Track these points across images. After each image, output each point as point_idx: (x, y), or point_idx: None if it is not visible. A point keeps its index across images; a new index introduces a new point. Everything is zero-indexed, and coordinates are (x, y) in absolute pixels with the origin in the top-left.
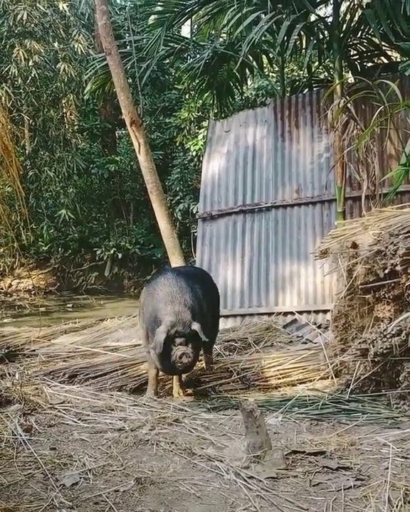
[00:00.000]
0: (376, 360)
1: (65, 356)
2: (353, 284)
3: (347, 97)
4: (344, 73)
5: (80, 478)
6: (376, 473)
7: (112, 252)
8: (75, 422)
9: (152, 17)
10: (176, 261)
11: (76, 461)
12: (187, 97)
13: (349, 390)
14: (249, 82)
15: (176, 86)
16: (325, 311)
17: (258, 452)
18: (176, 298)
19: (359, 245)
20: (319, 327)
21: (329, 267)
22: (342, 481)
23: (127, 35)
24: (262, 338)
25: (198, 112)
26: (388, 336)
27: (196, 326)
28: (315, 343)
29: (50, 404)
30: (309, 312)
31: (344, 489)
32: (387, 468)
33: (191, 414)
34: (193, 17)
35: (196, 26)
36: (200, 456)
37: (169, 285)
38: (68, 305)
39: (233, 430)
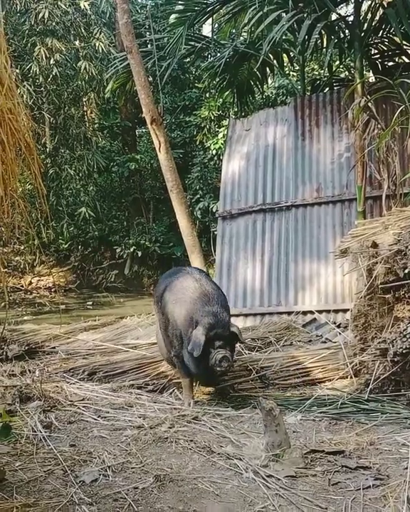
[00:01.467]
0: (395, 359)
1: (85, 354)
2: (373, 283)
3: (368, 97)
4: (364, 72)
5: (100, 474)
6: (395, 473)
7: (131, 250)
8: (95, 419)
9: (173, 16)
10: (195, 259)
11: (95, 457)
12: (207, 95)
13: (369, 389)
14: (269, 81)
15: (196, 85)
16: (345, 311)
17: (276, 451)
18: (213, 298)
19: (379, 245)
20: (338, 326)
21: (349, 266)
22: (360, 481)
23: (147, 33)
24: (281, 337)
25: (218, 111)
26: (408, 336)
27: (235, 328)
28: (335, 342)
29: (70, 401)
30: (328, 311)
31: (363, 489)
32: (406, 468)
33: (210, 412)
34: (214, 16)
35: (216, 25)
36: (219, 454)
37: (201, 286)
38: (88, 303)
39: (252, 428)
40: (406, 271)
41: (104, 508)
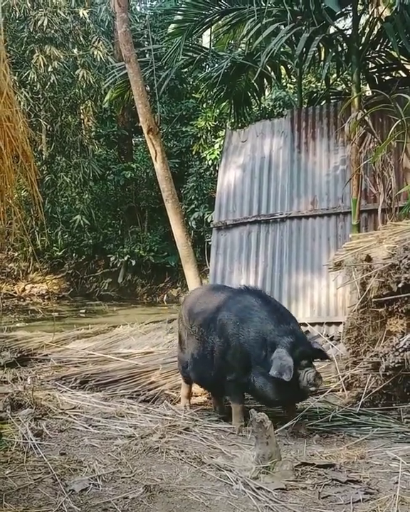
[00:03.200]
0: (387, 373)
1: (77, 362)
2: (366, 297)
3: (365, 110)
4: (361, 86)
5: (90, 484)
6: (386, 487)
7: (125, 258)
8: (86, 428)
9: (172, 26)
10: (189, 269)
11: (86, 466)
12: (204, 106)
13: (360, 403)
14: (267, 93)
15: (193, 95)
16: (338, 324)
17: (267, 463)
18: (285, 315)
19: (373, 258)
20: (331, 339)
21: (343, 279)
22: (350, 495)
23: (146, 43)
24: None
25: (215, 121)
26: (400, 350)
27: (318, 345)
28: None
29: (61, 409)
30: (321, 324)
31: (353, 502)
32: (396, 482)
33: (201, 423)
34: (212, 27)
35: (215, 36)
36: (209, 465)
37: (266, 303)
38: (81, 311)
39: (243, 440)
40: (400, 285)
41: None
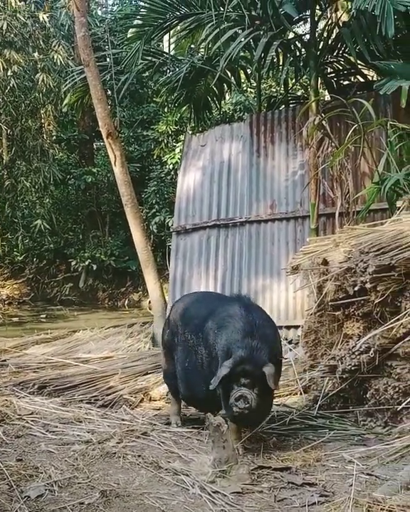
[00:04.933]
0: (344, 376)
1: (36, 367)
2: (323, 300)
3: (322, 115)
4: (320, 91)
5: (46, 490)
6: (341, 489)
7: (87, 263)
8: (43, 434)
9: (131, 30)
10: (149, 274)
11: (42, 472)
12: (165, 110)
13: (317, 406)
14: (227, 97)
15: (154, 99)
16: (296, 327)
17: (224, 467)
18: (258, 330)
19: (330, 262)
20: (289, 343)
21: (300, 283)
22: (306, 497)
23: (107, 47)
24: None
25: (175, 126)
26: (356, 353)
27: (268, 369)
28: (285, 358)
29: (19, 415)
30: (280, 327)
31: (308, 505)
32: (351, 484)
33: (159, 427)
34: (171, 31)
35: (175, 41)
36: (166, 469)
37: (247, 313)
38: (42, 316)
39: (201, 444)
40: (356, 288)
41: None
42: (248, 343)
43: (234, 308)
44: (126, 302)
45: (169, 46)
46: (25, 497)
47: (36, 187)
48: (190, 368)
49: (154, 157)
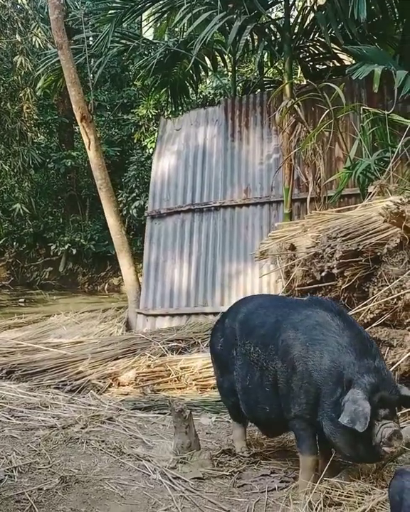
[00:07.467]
0: None
1: (5, 352)
2: (291, 285)
3: (295, 99)
4: (295, 75)
5: (5, 475)
6: None
7: (66, 247)
8: (8, 419)
9: (108, 13)
10: (123, 258)
11: (3, 458)
12: (145, 94)
13: None
14: (208, 81)
15: (135, 83)
16: None
17: (185, 453)
18: (369, 346)
19: (298, 247)
20: None
21: (268, 268)
22: (266, 483)
23: (85, 30)
24: (207, 338)
25: (155, 110)
26: None
27: (406, 390)
28: None
29: None
30: None
31: (268, 491)
32: None
33: (125, 412)
34: (144, 14)
35: (149, 24)
36: (129, 455)
37: (348, 325)
38: (21, 300)
39: (166, 430)
40: (323, 274)
41: (6, 509)
42: (370, 364)
43: (321, 316)
44: (105, 286)
45: (141, 29)
46: None
47: (15, 171)
48: (251, 387)
49: (135, 141)
